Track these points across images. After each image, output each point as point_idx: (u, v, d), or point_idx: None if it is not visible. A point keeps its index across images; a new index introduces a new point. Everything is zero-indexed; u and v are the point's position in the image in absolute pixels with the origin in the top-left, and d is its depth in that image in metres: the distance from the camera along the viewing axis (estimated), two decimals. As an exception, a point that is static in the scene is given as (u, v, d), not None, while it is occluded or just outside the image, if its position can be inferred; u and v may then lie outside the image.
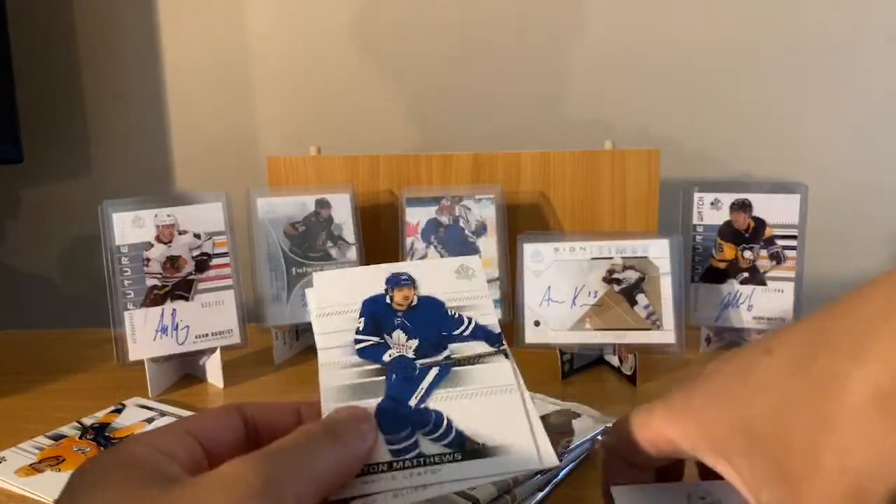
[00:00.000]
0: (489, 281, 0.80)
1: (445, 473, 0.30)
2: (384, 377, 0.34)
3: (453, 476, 0.30)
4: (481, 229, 0.82)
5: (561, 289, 0.73)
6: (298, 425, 0.31)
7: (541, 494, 0.49)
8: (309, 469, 0.26)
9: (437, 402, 0.33)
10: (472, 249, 0.81)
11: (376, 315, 0.36)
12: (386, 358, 0.35)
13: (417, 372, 0.34)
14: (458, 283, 0.38)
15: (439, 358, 0.35)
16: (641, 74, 1.03)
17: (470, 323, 0.37)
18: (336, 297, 0.37)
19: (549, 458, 0.31)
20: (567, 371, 0.72)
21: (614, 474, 0.36)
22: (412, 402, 0.33)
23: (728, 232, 0.78)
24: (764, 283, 0.76)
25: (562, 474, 0.52)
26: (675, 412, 0.31)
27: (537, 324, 0.73)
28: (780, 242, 0.76)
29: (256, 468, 0.25)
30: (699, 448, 0.29)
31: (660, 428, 0.32)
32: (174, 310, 0.71)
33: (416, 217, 0.82)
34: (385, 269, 0.38)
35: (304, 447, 0.27)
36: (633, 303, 0.72)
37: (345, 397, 0.33)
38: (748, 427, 0.27)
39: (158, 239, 0.71)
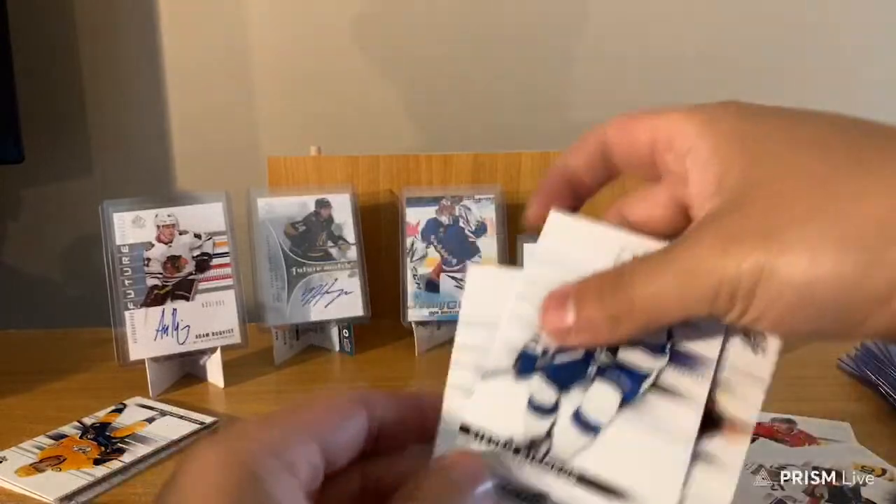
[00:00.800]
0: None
1: None
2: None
3: None
4: (481, 229, 0.82)
5: (561, 288, 0.73)
6: (421, 428, 0.26)
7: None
8: None
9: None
10: (473, 249, 0.81)
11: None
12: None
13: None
14: None
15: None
16: (641, 74, 1.03)
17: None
18: (489, 303, 0.28)
19: None
20: (567, 371, 0.72)
21: (555, 189, 0.30)
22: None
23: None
24: (763, 283, 0.76)
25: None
26: (689, 111, 0.25)
27: (537, 323, 0.73)
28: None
29: None
30: (691, 137, 0.24)
31: (659, 118, 0.26)
32: (175, 309, 0.71)
33: (416, 217, 0.82)
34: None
35: None
36: (632, 302, 0.72)
37: (462, 442, 0.26)
38: (758, 143, 0.23)
39: (159, 239, 0.71)
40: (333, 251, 0.80)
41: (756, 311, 0.21)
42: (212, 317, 0.72)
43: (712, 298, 0.21)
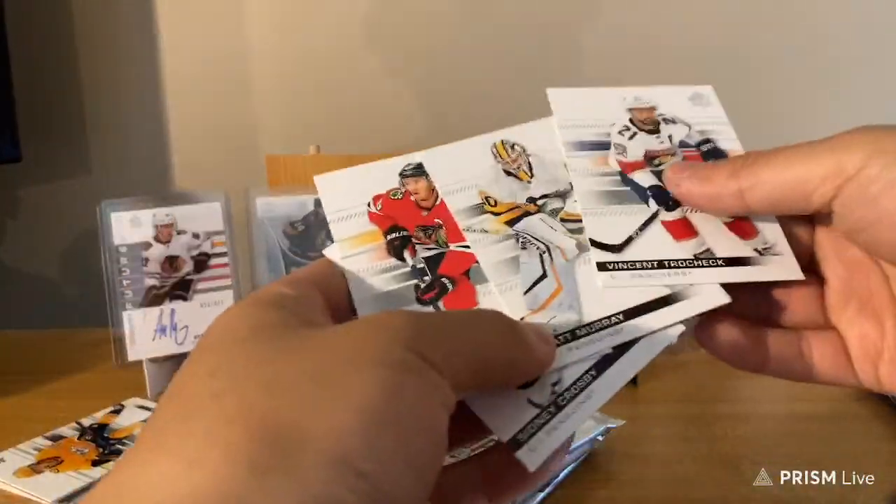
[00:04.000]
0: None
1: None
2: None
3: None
4: (481, 229, 0.81)
5: (560, 288, 0.73)
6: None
7: (541, 495, 0.49)
8: (475, 349, 0.22)
9: None
10: (472, 249, 0.81)
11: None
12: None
13: None
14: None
15: None
16: (641, 74, 1.02)
17: None
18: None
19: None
20: (567, 371, 0.72)
21: None
22: None
23: (728, 231, 0.78)
24: (764, 283, 0.76)
25: (562, 475, 0.52)
26: None
27: (537, 323, 0.73)
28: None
29: (416, 319, 0.22)
30: None
31: None
32: (173, 310, 0.71)
33: (416, 216, 0.82)
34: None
35: (469, 323, 0.23)
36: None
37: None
38: None
39: (157, 238, 0.71)
40: (332, 251, 0.80)
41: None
42: (210, 317, 0.71)
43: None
